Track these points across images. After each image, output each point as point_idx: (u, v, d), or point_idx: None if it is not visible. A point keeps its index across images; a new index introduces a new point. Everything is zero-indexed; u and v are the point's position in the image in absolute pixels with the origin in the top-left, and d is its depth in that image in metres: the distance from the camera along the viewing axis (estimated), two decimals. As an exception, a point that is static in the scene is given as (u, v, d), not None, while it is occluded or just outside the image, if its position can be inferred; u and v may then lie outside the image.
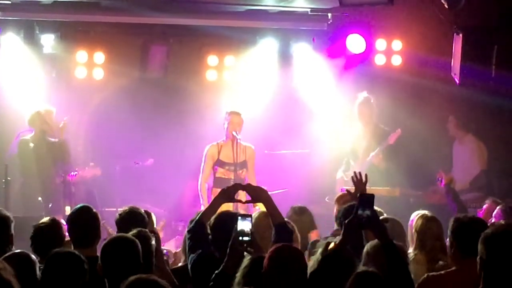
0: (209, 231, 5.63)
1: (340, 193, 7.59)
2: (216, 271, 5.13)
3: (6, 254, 5.12)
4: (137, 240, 5.10)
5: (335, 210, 7.17)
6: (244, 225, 5.14)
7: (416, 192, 11.00)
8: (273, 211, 5.60)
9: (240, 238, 5.12)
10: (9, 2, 10.50)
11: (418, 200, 10.72)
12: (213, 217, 5.67)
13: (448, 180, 8.04)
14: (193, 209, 9.88)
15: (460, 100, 11.31)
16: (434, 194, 10.76)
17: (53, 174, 10.78)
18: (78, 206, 6.30)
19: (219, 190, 9.96)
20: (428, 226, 6.39)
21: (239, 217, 5.19)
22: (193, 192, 11.57)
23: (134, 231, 5.57)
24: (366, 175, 6.92)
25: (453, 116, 11.34)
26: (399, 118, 11.37)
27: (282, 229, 5.52)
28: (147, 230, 5.66)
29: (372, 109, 11.09)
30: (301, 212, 7.64)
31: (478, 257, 4.38)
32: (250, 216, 5.25)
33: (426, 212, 6.69)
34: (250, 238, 5.12)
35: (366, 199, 4.69)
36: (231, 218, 5.54)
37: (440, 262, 6.12)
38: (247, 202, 5.95)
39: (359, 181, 6.83)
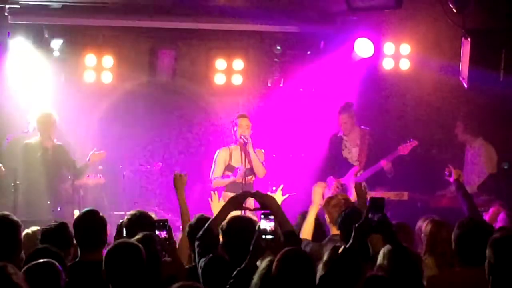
0: (221, 235, 5.65)
1: (327, 198, 7.51)
2: (239, 268, 5.16)
3: (34, 262, 5.13)
4: (140, 245, 5.09)
5: (326, 216, 7.14)
6: (267, 224, 5.20)
7: (424, 196, 10.98)
8: (282, 218, 5.61)
9: (263, 236, 5.18)
10: (19, 6, 10.54)
11: (425, 204, 10.72)
12: (226, 221, 5.68)
13: (457, 174, 7.97)
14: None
15: (469, 104, 11.29)
16: (442, 198, 10.75)
17: (61, 177, 10.78)
18: (85, 210, 6.31)
19: (230, 194, 10.01)
20: (439, 230, 6.39)
21: (262, 216, 5.24)
22: (200, 196, 11.58)
23: (139, 235, 5.59)
24: (365, 186, 6.83)
25: (461, 121, 11.32)
26: (406, 123, 11.36)
27: (290, 237, 5.53)
28: (152, 233, 5.67)
29: (354, 115, 11.05)
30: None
31: (487, 261, 4.38)
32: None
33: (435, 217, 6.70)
34: (273, 237, 5.17)
35: (377, 203, 4.68)
36: (244, 222, 5.62)
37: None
38: (255, 209, 5.95)
39: (360, 189, 6.78)
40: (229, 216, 5.75)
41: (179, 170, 7.24)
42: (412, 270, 4.77)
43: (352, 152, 11.03)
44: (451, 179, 8.00)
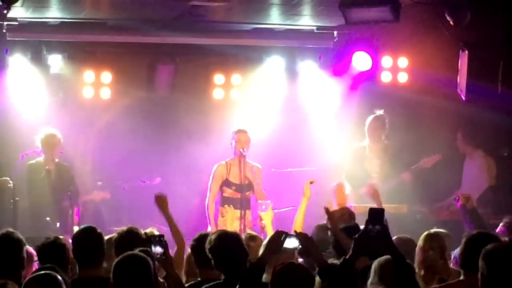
0: (209, 254, 5.60)
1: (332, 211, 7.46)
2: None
3: (35, 274, 5.13)
4: (149, 258, 5.08)
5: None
6: (291, 243, 5.26)
7: (423, 208, 10.96)
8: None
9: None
10: (17, 23, 10.56)
11: (425, 217, 10.70)
12: (214, 238, 5.61)
13: (464, 200, 7.95)
14: (201, 228, 9.85)
15: (467, 116, 11.30)
16: (442, 211, 10.73)
17: (63, 195, 10.74)
18: (83, 226, 6.34)
19: (226, 208, 10.00)
20: (426, 243, 6.35)
21: (285, 236, 5.25)
22: (200, 211, 11.57)
23: (136, 251, 5.55)
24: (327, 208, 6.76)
25: (461, 133, 11.32)
26: (405, 135, 11.36)
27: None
28: (148, 249, 5.66)
29: (385, 127, 11.08)
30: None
31: (479, 273, 4.36)
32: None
33: (433, 229, 6.68)
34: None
35: (376, 214, 4.67)
36: (232, 238, 5.64)
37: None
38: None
39: (329, 212, 6.71)
40: (216, 233, 5.71)
41: (158, 191, 7.22)
42: (412, 282, 4.75)
43: (373, 164, 11.06)
44: (458, 204, 8.00)
